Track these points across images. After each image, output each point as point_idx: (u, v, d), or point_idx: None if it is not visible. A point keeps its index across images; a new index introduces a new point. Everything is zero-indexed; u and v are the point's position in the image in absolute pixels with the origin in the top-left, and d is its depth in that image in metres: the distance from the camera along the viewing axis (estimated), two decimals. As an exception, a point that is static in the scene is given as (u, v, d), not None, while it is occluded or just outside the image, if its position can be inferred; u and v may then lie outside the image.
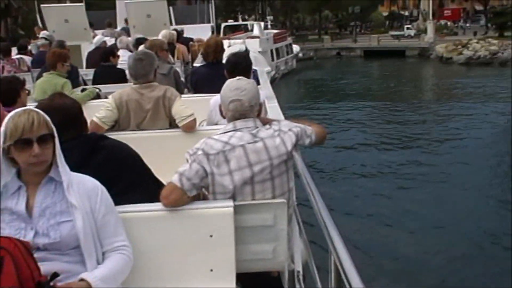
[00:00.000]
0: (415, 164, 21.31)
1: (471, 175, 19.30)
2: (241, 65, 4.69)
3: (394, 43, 69.20)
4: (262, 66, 11.62)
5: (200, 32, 17.64)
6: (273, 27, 63.10)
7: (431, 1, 74.72)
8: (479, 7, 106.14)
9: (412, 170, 20.38)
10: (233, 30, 59.14)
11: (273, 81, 43.35)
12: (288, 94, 46.04)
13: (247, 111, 3.14)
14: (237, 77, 3.28)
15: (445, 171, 20.00)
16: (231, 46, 11.57)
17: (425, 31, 68.87)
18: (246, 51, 5.17)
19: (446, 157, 22.30)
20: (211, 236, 3.01)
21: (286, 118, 4.04)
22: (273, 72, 46.94)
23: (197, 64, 9.60)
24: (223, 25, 52.84)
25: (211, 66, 6.55)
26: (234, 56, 4.88)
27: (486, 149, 23.21)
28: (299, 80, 51.18)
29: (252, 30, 51.17)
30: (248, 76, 4.36)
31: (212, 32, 21.59)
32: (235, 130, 3.14)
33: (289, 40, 55.91)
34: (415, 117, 32.31)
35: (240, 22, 55.22)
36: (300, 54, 59.33)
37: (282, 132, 3.16)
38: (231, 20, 57.99)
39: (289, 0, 74.04)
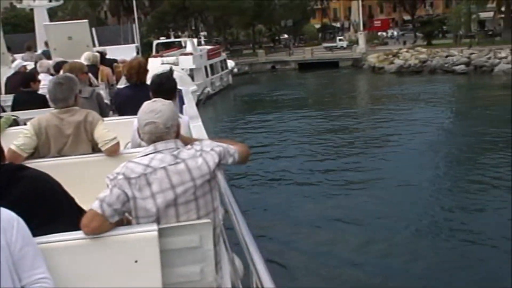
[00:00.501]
0: (350, 170, 21.69)
1: (404, 178, 19.92)
2: (164, 86, 4.59)
3: (327, 54, 70.24)
4: (187, 86, 11.50)
5: (124, 52, 17.15)
6: (207, 43, 62.85)
7: (361, 13, 76.35)
8: (407, 16, 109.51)
9: (347, 177, 20.71)
10: (166, 47, 58.58)
11: (209, 98, 43.31)
12: (225, 109, 45.87)
13: (163, 134, 3.08)
14: (153, 99, 3.24)
15: (381, 176, 20.58)
16: (157, 66, 11.34)
17: (357, 42, 70.23)
18: (170, 71, 4.93)
19: (381, 161, 22.93)
20: (136, 261, 2.93)
21: (210, 137, 4.04)
22: (208, 89, 46.90)
23: (120, 85, 9.25)
24: (155, 42, 52.16)
25: (134, 87, 6.36)
26: (158, 77, 4.74)
27: (420, 152, 24.04)
28: (235, 95, 51.04)
29: (186, 47, 50.69)
30: (173, 96, 4.37)
31: (137, 53, 21.20)
32: (156, 152, 3.07)
33: (224, 55, 55.75)
34: (350, 124, 33.28)
35: (173, 39, 54.60)
36: (235, 69, 59.29)
37: (204, 152, 3.15)
38: (163, 37, 57.27)
39: (222, 15, 73.93)
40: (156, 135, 3.08)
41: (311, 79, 60.39)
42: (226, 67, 54.56)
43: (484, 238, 13.98)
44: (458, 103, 40.68)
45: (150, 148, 3.10)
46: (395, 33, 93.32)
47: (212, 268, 3.15)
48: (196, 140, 3.46)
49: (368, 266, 12.98)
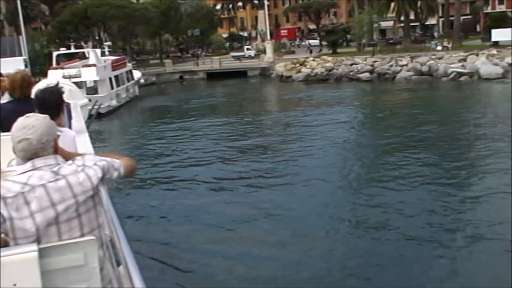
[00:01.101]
0: (260, 174, 22.13)
1: (312, 177, 20.73)
2: (48, 101, 4.43)
3: (235, 64, 70.06)
4: (77, 99, 10.90)
5: (12, 65, 15.83)
6: (111, 53, 60.81)
7: (267, 22, 76.91)
8: (312, 26, 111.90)
9: (256, 181, 21.19)
10: (69, 58, 56.18)
11: (115, 110, 42.08)
12: (132, 121, 44.51)
13: (38, 150, 2.95)
14: (26, 115, 3.04)
15: (291, 176, 21.36)
16: (40, 82, 10.44)
17: (264, 51, 70.62)
18: (56, 86, 4.73)
19: (290, 162, 23.77)
20: (14, 285, 2.77)
21: (97, 152, 3.97)
22: (114, 101, 45.27)
23: (4, 100, 8.57)
24: (55, 53, 49.62)
25: (18, 102, 6.10)
26: (42, 92, 4.60)
27: (327, 152, 25.25)
28: (143, 107, 49.61)
29: (89, 58, 48.82)
30: (58, 111, 4.34)
31: (26, 66, 19.89)
32: (34, 169, 2.94)
33: (129, 66, 54.11)
34: (258, 129, 34.03)
35: (73, 50, 52.38)
36: (142, 80, 57.75)
37: (86, 167, 3.04)
38: (64, 48, 54.80)
39: (127, 24, 72.07)
40: (30, 152, 2.95)
41: (219, 89, 59.96)
42: (132, 78, 52.98)
43: (395, 234, 14.69)
44: (363, 107, 42.15)
45: (28, 165, 2.96)
46: (303, 42, 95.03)
47: (98, 286, 3.05)
48: (78, 155, 3.31)
49: (280, 263, 13.31)
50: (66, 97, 4.78)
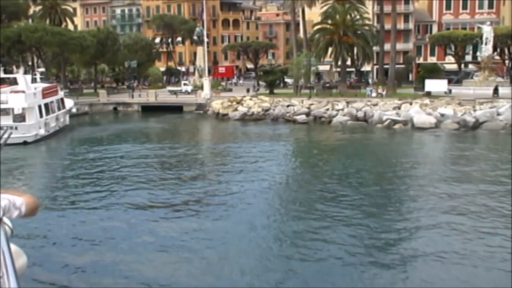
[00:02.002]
0: (187, 199, 23.62)
1: (241, 203, 22.81)
2: None
3: (171, 98, 69.01)
4: None
5: None
6: (43, 80, 58.61)
7: (207, 59, 76.60)
8: (250, 65, 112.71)
9: (183, 207, 22.46)
10: (-2, 83, 53.65)
11: (43, 139, 40.55)
12: (59, 152, 42.67)
13: None
14: None
15: (219, 201, 23.24)
16: None
17: (201, 87, 70.03)
18: None
19: (220, 188, 25.88)
20: None
21: None
22: (42, 130, 43.26)
23: None
24: (-20, 77, 47.22)
25: None
26: None
27: (256, 181, 27.42)
28: (72, 137, 47.79)
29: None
30: None
31: None
32: None
33: (61, 94, 52.16)
34: (189, 159, 35.17)
35: (2, 74, 50.00)
36: (74, 109, 55.76)
37: None
38: (-9, 73, 52.30)
39: (62, 52, 70.00)
40: None
41: (153, 122, 58.76)
42: (64, 107, 51.02)
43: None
44: (296, 146, 43.24)
45: None
46: (241, 81, 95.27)
47: None
48: None
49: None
50: None
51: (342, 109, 55.73)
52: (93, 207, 22.92)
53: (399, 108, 54.95)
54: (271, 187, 26.65)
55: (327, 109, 56.23)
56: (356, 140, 44.80)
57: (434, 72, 68.96)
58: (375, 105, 56.28)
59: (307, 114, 55.52)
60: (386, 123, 50.97)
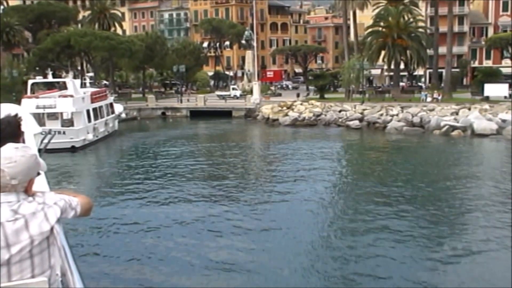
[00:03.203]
0: (237, 218, 22.32)
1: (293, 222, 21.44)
2: (4, 131, 3.63)
3: (220, 103, 67.93)
4: (29, 128, 9.16)
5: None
6: (93, 85, 58.40)
7: (256, 63, 75.46)
8: (298, 69, 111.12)
9: (238, 222, 21.47)
10: (48, 87, 53.70)
11: (91, 144, 39.94)
12: (108, 157, 42.13)
13: (7, 186, 2.87)
14: (17, 146, 3.02)
15: (272, 219, 22.00)
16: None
17: (250, 92, 68.84)
18: (15, 116, 3.77)
19: (271, 207, 24.21)
20: None
21: (52, 189, 3.69)
22: (90, 135, 42.70)
23: None
24: (30, 82, 46.93)
25: None
26: None
27: (308, 201, 25.06)
28: (121, 143, 47.12)
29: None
30: (16, 141, 3.59)
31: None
32: None
33: (110, 99, 51.68)
34: (239, 173, 32.90)
35: (51, 78, 49.86)
36: (123, 115, 55.29)
37: (46, 206, 2.97)
38: (40, 77, 52.26)
39: (110, 56, 69.96)
40: None
41: (203, 128, 57.76)
42: (113, 112, 50.48)
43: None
44: (351, 156, 41.01)
45: None
46: (289, 85, 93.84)
47: None
48: (38, 192, 3.11)
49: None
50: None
51: (397, 115, 53.48)
52: (143, 218, 22.35)
53: (457, 114, 52.41)
54: (322, 195, 25.85)
55: (381, 115, 54.11)
56: (413, 147, 42.71)
57: (493, 76, 65.85)
58: (432, 110, 53.86)
59: (360, 120, 53.53)
60: (444, 129, 48.54)
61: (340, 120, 54.25)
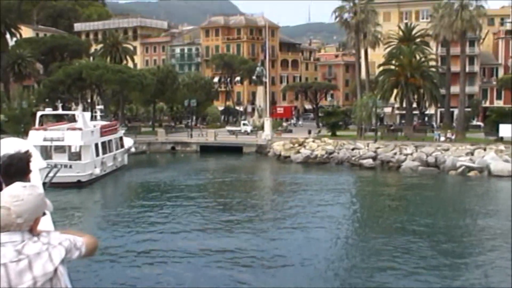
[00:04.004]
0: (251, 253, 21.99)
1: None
2: (15, 167, 3.75)
3: (231, 139, 67.14)
4: (36, 163, 8.53)
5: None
6: (103, 117, 57.88)
7: (268, 98, 75.04)
8: (308, 105, 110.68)
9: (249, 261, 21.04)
10: (57, 120, 53.22)
11: (98, 179, 38.94)
12: (116, 194, 41.19)
13: (12, 224, 2.84)
14: (24, 184, 2.97)
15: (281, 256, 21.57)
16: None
17: (261, 128, 68.15)
18: (26, 152, 3.90)
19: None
20: None
21: (57, 227, 3.73)
22: (98, 170, 41.85)
23: None
24: (39, 113, 46.34)
25: None
26: (10, 157, 3.85)
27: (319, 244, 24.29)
28: (130, 179, 46.19)
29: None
30: (25, 178, 3.70)
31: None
32: None
33: (120, 132, 51.03)
34: (250, 217, 31.31)
35: (60, 110, 49.34)
36: (133, 149, 54.53)
37: (51, 246, 2.92)
38: (50, 109, 51.76)
39: (122, 89, 69.73)
40: (4, 223, 2.84)
41: (213, 164, 56.82)
42: (122, 146, 49.75)
43: None
44: (366, 198, 39.72)
45: None
46: (300, 122, 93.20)
47: None
48: (43, 231, 3.06)
49: None
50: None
51: (411, 154, 52.50)
52: (147, 256, 21.98)
53: (472, 154, 51.36)
54: (332, 240, 25.12)
55: (395, 154, 53.13)
56: (430, 188, 41.68)
57: (507, 116, 64.90)
58: (446, 150, 52.88)
59: (374, 158, 52.55)
60: (460, 169, 47.52)
61: (353, 158, 53.25)
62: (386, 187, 43.05)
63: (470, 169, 47.40)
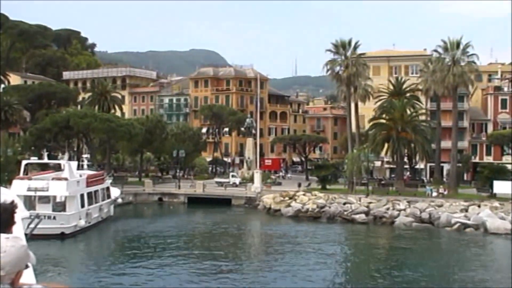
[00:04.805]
0: None
1: None
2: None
3: (219, 191, 65.79)
4: (19, 212, 7.69)
5: None
6: (90, 167, 56.35)
7: (258, 150, 74.14)
8: (295, 158, 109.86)
9: None
10: (43, 168, 51.65)
11: (82, 231, 37.06)
12: (100, 247, 39.39)
13: None
14: (7, 235, 2.90)
15: None
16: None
17: (250, 180, 66.90)
18: (12, 203, 3.58)
19: None
20: None
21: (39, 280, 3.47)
22: (82, 221, 40.17)
23: None
24: (24, 162, 44.77)
25: None
26: None
27: None
28: (115, 231, 44.45)
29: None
30: (8, 229, 3.50)
31: None
32: None
33: (107, 183, 49.53)
34: (239, 276, 29.81)
35: (46, 159, 47.90)
36: (120, 199, 52.92)
37: None
38: (35, 158, 50.28)
39: (109, 139, 68.50)
40: None
41: (201, 217, 55.17)
42: (109, 196, 48.20)
43: None
44: (361, 257, 38.04)
45: None
46: (289, 174, 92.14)
47: None
48: (25, 284, 2.95)
49: None
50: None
51: (404, 209, 51.48)
52: None
53: (467, 211, 50.44)
54: None
55: (388, 209, 52.06)
56: (426, 246, 40.51)
57: (500, 172, 64.40)
58: (440, 206, 51.98)
59: (367, 213, 51.38)
60: (455, 226, 46.50)
61: (345, 213, 52.01)
62: (379, 244, 41.81)
63: (465, 226, 46.39)
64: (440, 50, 65.10)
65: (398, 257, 36.28)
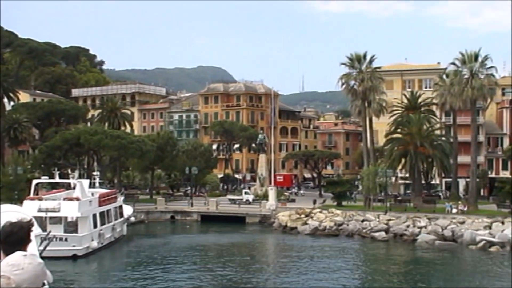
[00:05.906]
0: None
1: None
2: (16, 235, 3.60)
3: (233, 208, 64.15)
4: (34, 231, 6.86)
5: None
6: (102, 185, 55.04)
7: (272, 167, 72.74)
8: (307, 174, 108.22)
9: None
10: (53, 187, 50.42)
11: (95, 252, 35.43)
12: (113, 268, 37.77)
13: None
14: (25, 253, 2.99)
15: None
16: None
17: (263, 197, 65.38)
18: (29, 221, 3.69)
19: None
20: None
21: None
22: (95, 242, 38.73)
23: None
24: (34, 182, 43.34)
25: None
26: (11, 225, 3.70)
27: None
28: (129, 252, 42.95)
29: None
30: (24, 247, 3.59)
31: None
32: None
33: (120, 201, 48.10)
34: None
35: (57, 179, 46.64)
36: (133, 218, 51.50)
37: None
38: (46, 177, 48.95)
39: (120, 156, 67.24)
40: None
41: (214, 236, 53.35)
42: (122, 215, 46.79)
43: None
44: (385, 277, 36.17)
45: None
46: (302, 191, 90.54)
47: None
48: None
49: None
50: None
51: (425, 227, 49.81)
52: None
53: (490, 228, 48.67)
54: None
55: (408, 226, 50.40)
56: (452, 265, 38.69)
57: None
58: (462, 223, 50.28)
59: (386, 231, 49.73)
60: (480, 244, 44.67)
61: (364, 230, 50.38)
62: (403, 263, 40.00)
63: (491, 244, 44.60)
64: (457, 63, 63.56)
65: (423, 277, 34.63)
